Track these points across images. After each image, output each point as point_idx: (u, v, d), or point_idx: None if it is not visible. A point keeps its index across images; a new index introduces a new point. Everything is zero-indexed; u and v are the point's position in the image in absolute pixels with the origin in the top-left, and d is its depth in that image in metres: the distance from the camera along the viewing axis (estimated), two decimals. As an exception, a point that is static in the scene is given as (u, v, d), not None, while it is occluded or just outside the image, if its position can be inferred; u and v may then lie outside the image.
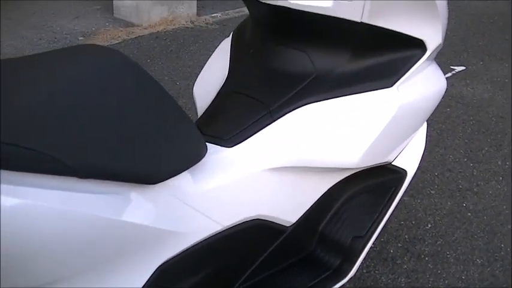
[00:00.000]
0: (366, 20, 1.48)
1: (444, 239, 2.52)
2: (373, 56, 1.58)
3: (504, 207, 2.78)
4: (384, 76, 1.57)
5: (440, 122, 3.50)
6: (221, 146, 1.51)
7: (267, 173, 1.51)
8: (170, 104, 1.31)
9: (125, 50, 4.23)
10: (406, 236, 2.51)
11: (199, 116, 1.73)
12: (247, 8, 1.70)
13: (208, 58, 1.84)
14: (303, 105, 1.54)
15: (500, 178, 3.01)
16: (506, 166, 3.12)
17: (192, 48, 4.32)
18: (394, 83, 1.56)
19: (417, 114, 1.67)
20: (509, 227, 2.63)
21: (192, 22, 4.85)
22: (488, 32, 5.17)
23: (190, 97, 3.57)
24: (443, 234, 2.54)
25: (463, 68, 4.36)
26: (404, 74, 1.58)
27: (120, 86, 1.21)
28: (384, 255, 2.38)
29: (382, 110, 1.53)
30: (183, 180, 1.32)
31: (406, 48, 1.59)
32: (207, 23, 4.89)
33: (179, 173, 1.28)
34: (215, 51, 1.89)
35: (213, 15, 5.11)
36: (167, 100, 1.30)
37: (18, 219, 0.97)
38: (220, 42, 1.91)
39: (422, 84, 1.64)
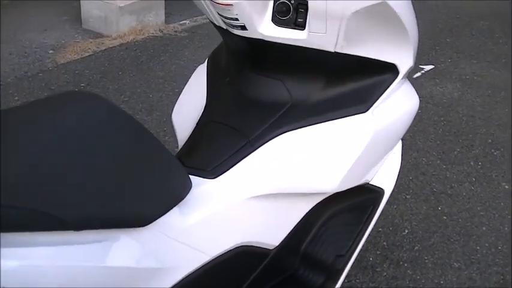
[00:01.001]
0: (339, 50, 1.51)
1: (421, 244, 2.57)
2: (347, 83, 1.61)
3: (478, 208, 2.84)
4: (359, 102, 1.60)
5: (412, 124, 3.53)
6: (204, 177, 1.53)
7: (250, 201, 1.54)
8: (151, 142, 1.34)
9: (96, 62, 4.23)
10: (385, 243, 2.56)
11: (179, 147, 1.75)
12: (221, 35, 1.72)
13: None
14: (281, 134, 1.57)
15: (473, 179, 3.07)
16: (478, 167, 3.18)
17: (163, 59, 4.32)
18: (369, 108, 1.59)
19: (393, 135, 1.71)
20: (484, 228, 2.69)
21: (161, 31, 4.85)
22: (455, 28, 5.23)
23: (163, 110, 3.59)
24: (420, 240, 2.60)
25: (432, 66, 4.42)
26: (378, 98, 1.62)
27: (104, 134, 1.24)
28: (363, 263, 2.42)
29: (358, 135, 1.56)
30: (169, 216, 1.34)
31: (379, 73, 1.63)
32: (175, 31, 4.89)
33: (167, 211, 1.31)
34: (191, 78, 1.91)
35: (181, 22, 5.11)
36: (148, 138, 1.33)
37: (18, 282, 1.00)
38: (194, 70, 1.93)
39: (396, 105, 1.67)
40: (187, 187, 1.39)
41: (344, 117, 1.58)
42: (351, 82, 1.62)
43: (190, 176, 1.43)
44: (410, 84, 1.80)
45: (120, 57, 4.33)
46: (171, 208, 1.33)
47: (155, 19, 4.97)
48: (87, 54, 4.41)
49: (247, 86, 1.68)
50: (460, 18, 5.51)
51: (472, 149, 3.36)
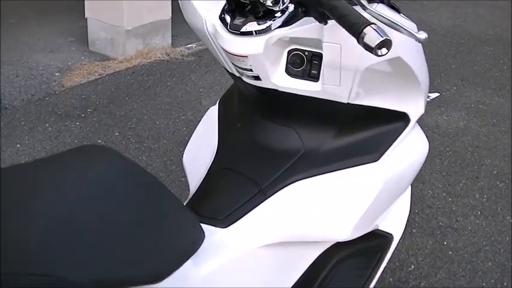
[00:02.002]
0: (352, 101, 1.53)
1: (427, 280, 2.58)
2: (359, 132, 1.63)
3: (484, 243, 2.85)
4: (370, 150, 1.61)
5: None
6: (216, 226, 1.55)
7: (262, 249, 1.56)
8: (166, 196, 1.36)
9: (103, 87, 4.25)
10: (391, 279, 2.57)
11: (191, 192, 1.76)
12: (234, 80, 1.73)
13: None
14: (293, 182, 1.58)
15: (479, 213, 3.08)
16: (484, 199, 3.19)
17: (170, 84, 4.34)
18: (380, 157, 1.61)
19: (403, 182, 1.73)
20: (490, 264, 2.70)
21: (167, 54, 4.87)
22: (459, 54, 5.26)
23: (170, 138, 3.61)
24: (426, 275, 2.61)
25: (438, 94, 4.44)
26: (389, 147, 1.63)
27: (118, 190, 1.26)
28: (370, 300, 2.43)
29: (370, 184, 1.58)
30: (183, 267, 1.36)
31: (390, 122, 1.64)
32: (182, 55, 4.90)
33: (182, 265, 1.32)
34: (202, 120, 1.93)
35: (188, 46, 5.12)
36: (162, 191, 1.35)
37: None
38: (206, 111, 1.94)
39: (407, 152, 1.69)
40: (200, 239, 1.40)
41: (356, 166, 1.60)
42: (362, 131, 1.63)
43: (202, 224, 1.44)
44: (420, 128, 1.82)
45: (126, 81, 4.35)
46: (185, 261, 1.34)
47: (162, 42, 5.00)
48: (93, 77, 4.43)
49: (259, 132, 1.69)
50: (464, 44, 5.52)
51: (477, 181, 3.37)
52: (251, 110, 1.73)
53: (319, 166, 1.60)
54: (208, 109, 1.90)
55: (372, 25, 1.13)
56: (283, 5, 1.42)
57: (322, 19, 1.25)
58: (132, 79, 4.40)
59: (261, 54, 1.46)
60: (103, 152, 1.35)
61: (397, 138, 1.66)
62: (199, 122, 1.89)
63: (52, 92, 4.19)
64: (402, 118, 1.66)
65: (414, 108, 1.66)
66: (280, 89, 1.55)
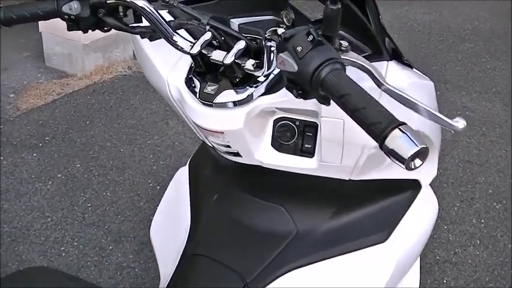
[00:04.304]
0: (355, 178, 1.25)
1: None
2: (362, 207, 1.35)
3: (487, 279, 2.60)
4: (377, 229, 1.34)
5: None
6: None
7: None
8: None
9: (61, 110, 3.91)
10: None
11: (162, 284, 1.47)
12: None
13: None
14: (285, 273, 1.30)
15: (478, 242, 2.83)
16: (482, 225, 2.94)
17: (133, 103, 3.99)
18: (389, 236, 1.34)
19: (415, 254, 1.46)
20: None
21: (129, 68, 4.51)
22: (439, 53, 5.00)
23: (136, 168, 3.30)
24: (428, 323, 2.35)
25: (420, 102, 4.17)
26: (399, 222, 1.36)
27: None
28: None
29: (378, 270, 1.32)
30: None
31: (399, 192, 1.38)
32: (146, 68, 4.57)
33: None
34: (170, 185, 1.63)
35: (152, 57, 4.79)
36: None
37: None
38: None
39: (418, 221, 1.42)
40: None
41: (360, 249, 1.32)
42: (366, 206, 1.36)
43: None
44: (429, 187, 1.55)
45: (87, 102, 4.01)
46: None
47: (123, 54, 4.65)
48: (51, 98, 4.09)
49: (241, 210, 1.40)
50: (443, 41, 5.25)
51: (472, 202, 3.11)
52: (229, 180, 1.44)
53: (316, 251, 1.32)
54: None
55: (403, 126, 0.82)
56: (267, 71, 1.13)
57: (325, 100, 0.93)
58: (93, 99, 4.05)
59: (241, 130, 1.16)
60: (47, 276, 1.06)
61: (406, 211, 1.38)
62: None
63: (6, 118, 3.83)
64: (413, 185, 1.39)
65: (426, 172, 1.40)
66: (265, 166, 1.26)
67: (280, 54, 0.94)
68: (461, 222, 2.95)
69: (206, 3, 1.41)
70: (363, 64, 1.02)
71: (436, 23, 5.69)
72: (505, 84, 4.41)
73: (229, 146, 1.23)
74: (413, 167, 0.81)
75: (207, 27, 1.15)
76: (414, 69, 1.30)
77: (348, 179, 1.26)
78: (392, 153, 0.81)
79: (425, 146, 0.80)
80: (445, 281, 2.57)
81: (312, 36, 0.92)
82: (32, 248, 2.73)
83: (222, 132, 1.18)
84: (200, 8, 1.39)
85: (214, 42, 1.17)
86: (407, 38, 5.28)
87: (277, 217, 1.35)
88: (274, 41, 1.09)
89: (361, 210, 1.35)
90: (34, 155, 3.44)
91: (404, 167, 0.81)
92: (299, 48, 0.92)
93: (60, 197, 3.07)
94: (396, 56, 1.24)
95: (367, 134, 0.85)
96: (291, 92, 0.96)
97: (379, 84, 1.02)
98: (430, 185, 1.46)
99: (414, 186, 1.40)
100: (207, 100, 1.15)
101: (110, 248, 2.74)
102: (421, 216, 1.43)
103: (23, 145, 3.53)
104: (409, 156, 0.80)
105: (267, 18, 1.43)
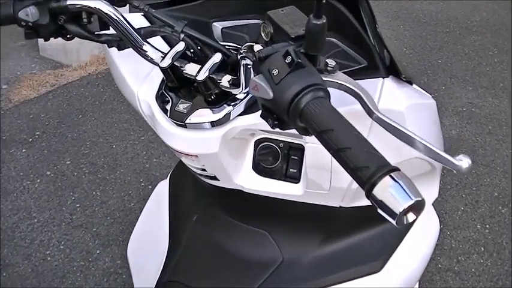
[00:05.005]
0: (346, 205, 1.13)
1: None
2: (353, 235, 1.23)
3: (491, 290, 2.47)
4: (370, 258, 1.23)
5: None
6: None
7: None
8: None
9: (53, 102, 3.78)
10: None
11: None
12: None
13: None
14: None
15: (482, 249, 2.70)
16: (486, 231, 2.81)
17: (128, 96, 3.86)
18: (384, 264, 1.22)
19: (413, 283, 1.33)
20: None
21: (126, 59, 4.38)
22: (445, 46, 4.84)
23: (128, 165, 3.18)
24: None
25: (425, 96, 4.03)
26: (395, 249, 1.24)
27: None
28: None
29: None
30: None
31: None
32: (143, 58, 4.43)
33: None
34: (150, 199, 1.52)
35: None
36: None
37: None
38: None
39: (417, 250, 1.30)
40: None
41: (352, 279, 1.21)
42: (359, 233, 1.24)
43: None
44: (432, 207, 1.43)
45: (80, 94, 3.88)
46: None
47: (120, 44, 4.51)
48: (44, 90, 3.96)
49: (222, 233, 1.28)
50: (450, 33, 5.10)
51: (477, 206, 2.98)
52: (210, 200, 1.32)
53: (303, 281, 1.21)
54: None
55: (395, 173, 0.68)
56: (245, 89, 1.00)
57: (306, 132, 0.80)
58: (87, 91, 3.93)
59: (217, 154, 1.04)
60: None
61: (404, 236, 1.26)
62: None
63: (-3, 110, 3.71)
64: None
65: (427, 194, 1.27)
66: (246, 191, 1.13)
67: (253, 78, 0.81)
68: (465, 228, 2.82)
69: (190, 4, 1.29)
70: (353, 88, 0.88)
71: (443, 14, 5.53)
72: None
73: (204, 170, 1.10)
74: (405, 222, 0.68)
75: (181, 36, 1.02)
76: (414, 86, 1.17)
77: (337, 206, 1.14)
78: (380, 205, 0.68)
79: (420, 199, 0.67)
80: (447, 292, 2.45)
81: (290, 57, 0.78)
82: (16, 252, 2.61)
83: (196, 156, 1.06)
84: (183, 9, 1.27)
85: (188, 52, 1.04)
86: (413, 29, 5.12)
87: (261, 243, 1.23)
88: (249, 59, 0.96)
89: (353, 238, 1.23)
90: (23, 150, 3.32)
91: (394, 223, 0.68)
92: (275, 72, 0.79)
93: (48, 197, 2.95)
94: (393, 70, 1.11)
95: (351, 177, 0.72)
96: (266, 121, 0.83)
97: (370, 112, 0.89)
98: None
99: None
100: (179, 120, 1.03)
101: (98, 252, 2.62)
102: (419, 241, 1.31)
103: (13, 140, 3.40)
104: (401, 211, 0.67)
105: (253, 22, 1.30)
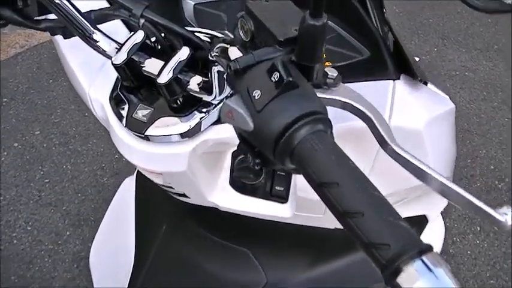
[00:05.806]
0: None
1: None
2: (347, 255, 1.05)
3: (487, 274, 2.36)
4: (362, 282, 1.05)
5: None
6: None
7: None
8: None
9: (23, 66, 3.54)
10: None
11: None
12: None
13: None
14: None
15: (478, 228, 2.55)
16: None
17: (103, 58, 3.64)
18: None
19: None
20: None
21: (102, 17, 4.13)
22: (437, 5, 4.62)
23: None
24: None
25: (417, 59, 3.82)
26: None
27: None
28: None
29: None
30: None
31: None
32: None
33: None
34: (114, 200, 1.32)
35: None
36: None
37: None
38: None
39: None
40: None
41: None
42: (352, 255, 1.06)
43: None
44: (439, 216, 1.27)
45: (51, 57, 3.63)
46: None
47: (94, 2, 4.26)
48: (13, 51, 3.71)
49: (195, 249, 1.09)
50: (443, -11, 4.87)
51: (472, 180, 2.81)
52: (182, 210, 1.13)
53: None
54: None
55: (427, 256, 0.48)
56: (219, 96, 0.79)
57: (298, 172, 0.60)
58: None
59: (184, 172, 0.84)
60: None
61: None
62: None
63: (-38, 75, 3.47)
64: (417, 222, 1.10)
65: (434, 206, 1.10)
66: (222, 210, 0.94)
67: (227, 101, 0.61)
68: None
69: None
70: (361, 109, 0.68)
71: (435, -31, 5.29)
72: (508, 41, 4.06)
73: (171, 187, 0.91)
74: None
75: (141, 22, 0.81)
76: (429, 85, 0.97)
77: (333, 228, 0.96)
78: None
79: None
80: None
81: (277, 73, 0.58)
82: (-21, 234, 2.43)
83: (161, 174, 0.87)
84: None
85: (150, 42, 0.83)
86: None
87: (242, 263, 1.06)
88: (222, 66, 0.76)
89: (345, 259, 1.06)
90: (-11, 119, 3.10)
91: None
92: (257, 94, 0.58)
93: (15, 171, 2.74)
94: (405, 67, 0.91)
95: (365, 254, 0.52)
96: (244, 156, 0.63)
97: (382, 142, 0.69)
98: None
99: (419, 222, 1.11)
100: (137, 130, 0.82)
101: (67, 233, 2.44)
102: None
103: (-22, 109, 3.19)
104: None
105: None
